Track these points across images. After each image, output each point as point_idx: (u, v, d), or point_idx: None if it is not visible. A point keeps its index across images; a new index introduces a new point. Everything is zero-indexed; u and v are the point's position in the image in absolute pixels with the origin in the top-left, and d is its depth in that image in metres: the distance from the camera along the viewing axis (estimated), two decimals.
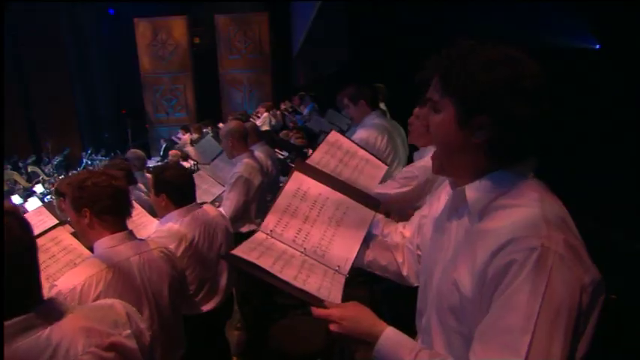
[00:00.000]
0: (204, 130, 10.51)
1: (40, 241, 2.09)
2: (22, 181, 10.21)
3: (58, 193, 2.79)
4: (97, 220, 1.60)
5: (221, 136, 3.08)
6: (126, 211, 1.67)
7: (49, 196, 8.48)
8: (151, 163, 10.88)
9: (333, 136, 1.63)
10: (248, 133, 3.16)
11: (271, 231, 1.26)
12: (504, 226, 0.87)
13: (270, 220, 1.28)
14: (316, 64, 9.71)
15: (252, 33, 13.28)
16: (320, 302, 1.06)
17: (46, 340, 0.88)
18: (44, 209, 3.30)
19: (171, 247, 1.96)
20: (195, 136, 9.59)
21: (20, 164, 11.71)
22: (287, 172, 5.03)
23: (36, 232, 1.49)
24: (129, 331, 1.04)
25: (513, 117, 0.89)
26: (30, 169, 10.56)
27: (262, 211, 3.15)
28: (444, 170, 1.05)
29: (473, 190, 0.96)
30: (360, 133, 2.82)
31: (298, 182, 1.37)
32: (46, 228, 2.33)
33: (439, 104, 0.97)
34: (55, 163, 11.97)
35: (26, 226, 0.93)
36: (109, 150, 12.51)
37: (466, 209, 0.98)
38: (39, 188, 9.65)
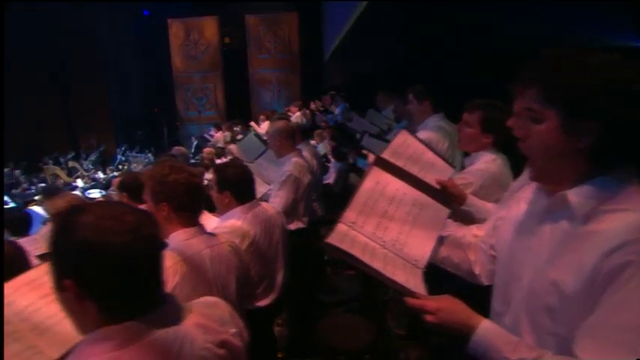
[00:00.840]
0: (235, 129, 10.67)
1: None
2: (64, 176, 10.57)
3: (123, 187, 2.89)
4: (174, 214, 1.65)
5: (269, 135, 3.12)
6: (200, 207, 1.73)
7: (89, 191, 8.80)
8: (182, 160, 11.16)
9: (403, 135, 1.65)
10: (295, 133, 3.20)
11: (352, 223, 1.29)
12: (614, 228, 0.89)
13: (350, 214, 1.31)
14: (351, 64, 9.70)
15: (282, 33, 13.38)
16: (412, 293, 1.09)
17: (174, 333, 0.93)
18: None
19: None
20: (227, 134, 9.74)
21: (61, 160, 12.12)
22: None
23: None
24: (234, 330, 1.09)
25: (622, 121, 0.91)
26: (70, 164, 10.91)
27: (309, 209, 3.19)
28: (543, 177, 1.07)
29: (576, 195, 0.97)
30: (423, 134, 2.82)
31: (376, 178, 1.40)
32: None
33: (540, 113, 0.98)
34: (93, 159, 12.36)
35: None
36: (143, 147, 12.81)
37: (565, 213, 1.00)
38: (79, 183, 10.00)
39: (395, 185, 1.40)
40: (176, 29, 13.96)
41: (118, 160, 12.84)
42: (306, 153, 3.35)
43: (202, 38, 13.92)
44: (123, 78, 14.62)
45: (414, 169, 1.56)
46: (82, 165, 11.17)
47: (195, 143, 11.89)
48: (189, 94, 13.97)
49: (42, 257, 1.87)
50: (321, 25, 11.97)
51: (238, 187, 2.19)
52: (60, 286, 0.91)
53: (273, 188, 3.05)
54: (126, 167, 10.88)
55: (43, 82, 11.15)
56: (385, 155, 1.55)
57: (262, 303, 2.30)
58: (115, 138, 13.76)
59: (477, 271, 1.40)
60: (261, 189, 3.30)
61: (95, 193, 8.49)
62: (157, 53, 14.44)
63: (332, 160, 5.20)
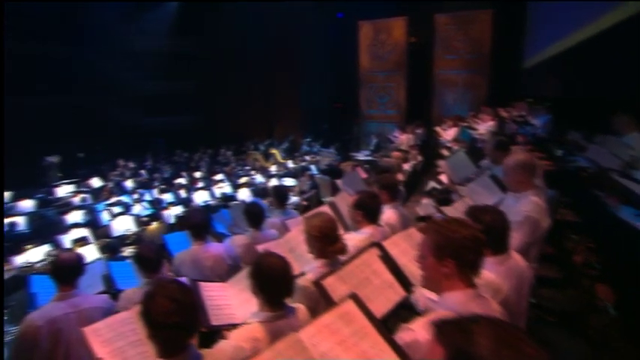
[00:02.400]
0: (417, 131, 10.46)
1: (356, 263, 2.26)
2: (263, 161, 12.01)
3: (384, 186, 2.97)
4: (457, 272, 1.57)
5: (507, 167, 2.85)
6: (480, 267, 1.61)
7: (283, 179, 9.69)
8: (361, 157, 11.47)
9: None
10: (535, 167, 2.86)
11: None
12: None
13: None
14: (569, 74, 8.46)
15: (473, 32, 12.55)
16: None
17: None
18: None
19: None
20: (411, 136, 9.61)
21: (260, 146, 13.80)
22: None
23: None
24: None
25: None
26: (272, 151, 12.17)
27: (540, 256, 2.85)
28: None
29: None
30: None
31: None
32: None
33: None
34: (284, 147, 13.66)
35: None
36: (326, 140, 13.68)
37: None
38: (273, 169, 11.17)
39: None
40: (366, 30, 14.34)
41: (303, 150, 14.00)
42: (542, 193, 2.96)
43: (390, 38, 14.00)
44: (313, 75, 15.69)
45: None
46: (279, 152, 12.34)
47: (375, 142, 12.12)
48: (372, 92, 14.27)
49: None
50: (523, 26, 10.77)
51: (495, 234, 2.01)
52: None
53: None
54: (312, 157, 11.73)
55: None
56: None
57: None
58: (302, 129, 14.99)
59: None
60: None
61: (289, 181, 9.34)
62: (345, 52, 15.06)
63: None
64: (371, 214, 2.87)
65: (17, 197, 10.45)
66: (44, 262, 5.89)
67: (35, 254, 6.17)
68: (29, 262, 6.00)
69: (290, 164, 11.69)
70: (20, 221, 8.64)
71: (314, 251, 2.49)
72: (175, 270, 3.45)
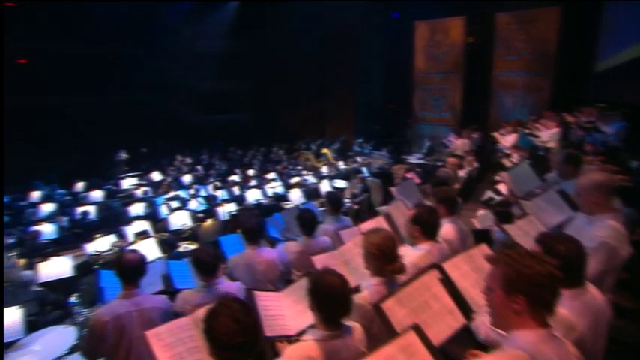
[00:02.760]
0: (473, 136, 10.05)
1: (415, 285, 2.17)
2: (314, 161, 12.04)
3: (441, 200, 2.91)
4: (528, 309, 1.46)
5: (581, 188, 2.62)
6: (554, 307, 1.48)
7: (334, 180, 9.66)
8: (413, 160, 11.20)
9: None
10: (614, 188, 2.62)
11: None
12: None
13: None
14: None
15: (537, 31, 11.84)
16: None
17: None
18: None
19: None
20: (467, 141, 9.25)
21: (311, 146, 13.85)
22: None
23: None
24: None
25: None
26: (324, 151, 12.15)
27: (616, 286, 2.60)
28: None
29: None
30: None
31: None
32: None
33: None
34: (335, 147, 13.62)
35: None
36: (378, 142, 13.48)
37: None
38: (324, 170, 11.16)
39: None
40: (422, 30, 13.98)
41: (354, 150, 13.88)
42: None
43: (447, 39, 13.56)
44: (368, 75, 15.53)
45: None
46: (332, 152, 12.28)
47: (428, 145, 11.80)
48: (427, 94, 13.90)
49: None
50: (597, 26, 9.99)
51: (570, 266, 1.85)
52: None
53: None
54: (364, 160, 11.60)
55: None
56: None
57: None
58: (354, 130, 14.88)
59: None
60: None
61: (340, 183, 9.30)
62: (400, 53, 14.77)
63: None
64: (429, 229, 2.76)
65: (89, 188, 11.22)
66: (110, 252, 6.26)
67: (103, 243, 6.57)
68: (97, 251, 6.39)
69: (341, 165, 11.64)
70: (91, 210, 9.26)
71: (371, 268, 2.43)
72: (229, 272, 3.52)
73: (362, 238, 2.48)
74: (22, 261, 6.74)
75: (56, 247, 7.61)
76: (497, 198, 5.21)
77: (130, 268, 2.66)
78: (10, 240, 7.87)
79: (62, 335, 4.65)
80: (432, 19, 13.68)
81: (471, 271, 2.25)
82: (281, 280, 3.58)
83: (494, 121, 11.79)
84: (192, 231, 7.07)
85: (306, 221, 3.78)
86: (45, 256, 6.39)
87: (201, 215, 7.44)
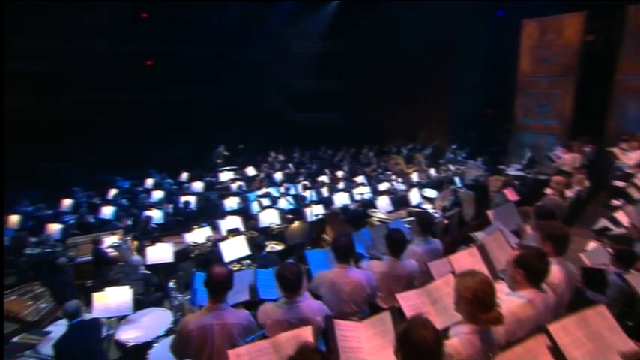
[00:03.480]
0: (586, 149, 8.91)
1: (517, 351, 1.86)
2: (404, 166, 11.64)
3: (549, 236, 2.66)
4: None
5: None
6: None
7: (424, 189, 9.22)
8: (511, 172, 10.26)
9: None
10: None
11: None
12: None
13: None
14: None
15: None
16: None
17: None
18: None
19: None
20: (577, 156, 8.21)
21: (402, 150, 13.43)
22: None
23: None
24: None
25: None
26: (417, 157, 11.67)
27: None
28: None
29: None
30: None
31: None
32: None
33: None
34: (427, 153, 13.03)
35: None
36: (473, 149, 12.60)
37: None
38: (414, 176, 10.73)
39: None
40: (530, 29, 12.68)
41: (446, 157, 13.15)
42: None
43: (560, 38, 12.12)
44: (467, 77, 14.58)
45: None
46: (424, 158, 11.76)
47: (529, 155, 10.76)
48: (532, 99, 12.63)
49: None
50: None
51: None
52: None
53: None
54: (457, 169, 10.91)
55: (397, 75, 12.03)
56: None
57: None
58: (449, 135, 14.09)
59: None
60: None
61: (430, 193, 8.86)
62: (504, 54, 13.64)
63: None
64: (535, 276, 2.40)
65: (192, 178, 12.16)
66: (204, 245, 6.65)
67: (199, 235, 7.03)
68: (194, 242, 6.84)
69: (432, 172, 11.08)
70: (192, 200, 10.00)
71: (463, 313, 2.18)
72: (314, 288, 3.48)
73: (454, 279, 2.24)
74: (135, 243, 7.52)
75: (161, 233, 8.29)
76: (615, 229, 4.49)
77: (217, 283, 2.73)
78: (127, 222, 8.81)
79: (160, 317, 5.07)
80: (542, 17, 12.34)
81: (584, 339, 1.90)
82: (366, 302, 3.46)
83: (612, 134, 10.31)
84: (279, 231, 7.25)
85: (395, 242, 3.59)
86: (152, 241, 7.04)
87: (289, 216, 7.58)
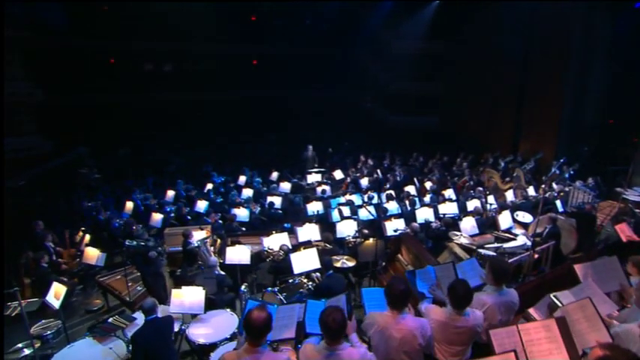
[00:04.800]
0: None
1: None
2: (499, 181, 10.55)
3: None
4: None
5: None
6: None
7: (517, 213, 8.23)
8: (631, 197, 8.59)
9: None
10: None
11: None
12: None
13: None
14: None
15: None
16: None
17: None
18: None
19: None
20: None
21: (500, 161, 12.21)
22: None
23: None
24: None
25: None
26: (516, 172, 10.49)
27: None
28: None
29: None
30: None
31: None
32: None
33: None
34: (528, 167, 11.67)
35: None
36: (584, 166, 10.90)
37: None
38: (509, 195, 9.59)
39: None
40: None
41: (551, 173, 11.60)
42: None
43: None
44: (583, 82, 12.68)
45: None
46: (524, 173, 10.52)
47: None
48: None
49: None
50: None
51: None
52: None
53: None
54: (560, 189, 9.54)
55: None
56: None
57: None
58: (556, 148, 12.43)
59: None
60: None
61: (525, 216, 7.88)
62: (634, 54, 11.55)
63: None
64: None
65: (280, 178, 12.51)
66: (278, 253, 6.74)
67: (275, 241, 7.15)
68: (270, 248, 6.99)
69: (531, 191, 9.83)
70: (277, 201, 10.26)
71: None
72: (364, 328, 3.28)
73: None
74: (219, 241, 7.96)
75: (244, 232, 8.64)
76: None
77: (256, 328, 2.69)
78: (216, 218, 9.36)
79: (228, 321, 5.29)
80: None
81: None
82: (419, 354, 3.15)
83: None
84: (353, 245, 7.06)
85: (458, 297, 3.20)
86: (232, 242, 7.38)
87: (365, 231, 7.33)
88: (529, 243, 6.62)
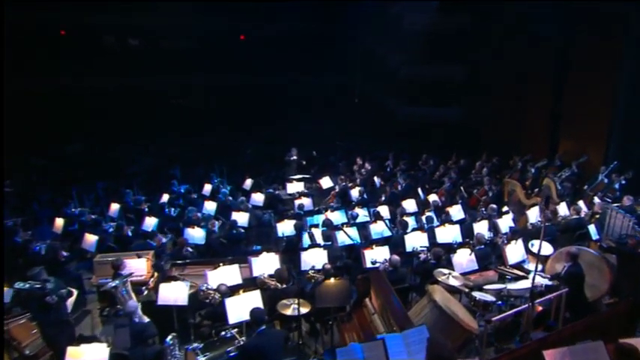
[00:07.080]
0: None
1: None
2: (522, 195, 9.79)
3: None
4: None
5: None
6: None
7: (535, 241, 7.53)
8: None
9: None
10: None
11: None
12: None
13: None
14: None
15: None
16: None
17: None
18: None
19: None
20: None
21: (530, 168, 11.47)
22: None
23: None
24: None
25: None
26: (548, 183, 9.73)
27: None
28: None
29: None
30: None
31: None
32: None
33: None
34: (565, 175, 10.93)
35: None
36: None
37: None
38: (531, 214, 8.86)
39: None
40: None
41: (598, 181, 10.84)
42: None
43: None
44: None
45: None
46: (556, 184, 9.78)
47: None
48: None
49: None
50: None
51: None
52: None
53: None
54: (599, 204, 8.65)
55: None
56: None
57: None
58: (607, 150, 11.59)
59: None
60: None
61: (543, 247, 7.13)
62: None
63: None
64: None
65: (254, 187, 12.05)
66: (213, 295, 6.29)
67: (220, 276, 6.70)
68: (207, 287, 6.54)
69: (563, 209, 8.94)
70: (243, 219, 9.75)
71: None
72: None
73: None
74: (156, 275, 7.60)
75: (194, 260, 8.24)
76: None
77: None
78: (162, 240, 8.99)
79: None
80: None
81: None
82: None
83: None
84: (315, 284, 6.55)
85: None
86: (169, 277, 7.02)
87: (328, 267, 6.77)
88: (546, 282, 6.00)
